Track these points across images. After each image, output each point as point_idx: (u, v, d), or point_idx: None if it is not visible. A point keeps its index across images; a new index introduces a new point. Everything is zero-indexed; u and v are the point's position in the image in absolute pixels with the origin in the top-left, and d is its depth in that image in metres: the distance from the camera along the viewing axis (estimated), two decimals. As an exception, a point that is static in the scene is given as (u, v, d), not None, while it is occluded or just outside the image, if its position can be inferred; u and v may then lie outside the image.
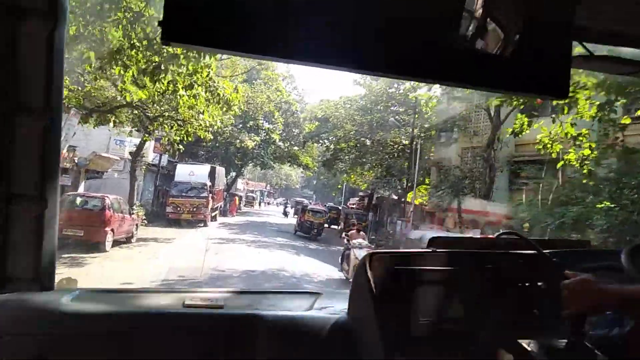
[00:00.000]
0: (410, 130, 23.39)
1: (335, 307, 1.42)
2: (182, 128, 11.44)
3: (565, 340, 1.11)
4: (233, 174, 36.82)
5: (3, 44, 1.18)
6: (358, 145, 26.01)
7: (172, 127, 11.98)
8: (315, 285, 9.91)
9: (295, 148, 35.40)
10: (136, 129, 13.74)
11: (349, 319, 1.33)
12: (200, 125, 11.32)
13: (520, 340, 1.16)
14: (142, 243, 13.46)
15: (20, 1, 1.18)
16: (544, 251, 1.38)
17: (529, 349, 1.13)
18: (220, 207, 25.20)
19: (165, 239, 14.57)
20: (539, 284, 1.37)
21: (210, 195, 20.52)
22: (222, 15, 0.70)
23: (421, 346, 1.21)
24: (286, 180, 71.08)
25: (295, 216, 32.80)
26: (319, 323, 1.32)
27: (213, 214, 22.10)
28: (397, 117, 24.08)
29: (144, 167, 18.22)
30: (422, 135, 23.29)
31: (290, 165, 38.03)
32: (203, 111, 10.32)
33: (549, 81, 0.86)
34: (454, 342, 1.24)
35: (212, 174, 21.96)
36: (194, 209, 19.50)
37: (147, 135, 13.21)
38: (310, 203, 40.81)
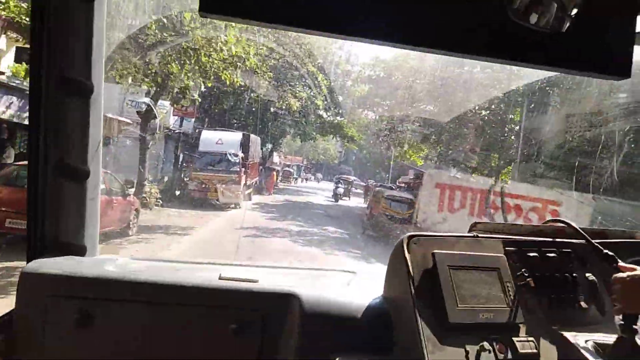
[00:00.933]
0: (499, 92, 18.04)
1: (371, 288, 1.35)
2: (192, 57, 6.96)
3: (615, 336, 1.06)
4: (269, 146, 32.63)
5: (45, 19, 1.19)
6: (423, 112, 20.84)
7: (180, 62, 7.48)
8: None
9: (339, 118, 30.62)
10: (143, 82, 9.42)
11: (384, 301, 1.28)
12: (223, 55, 6.83)
13: (565, 333, 1.13)
14: (145, 237, 9.37)
15: None
16: (595, 241, 1.29)
17: (574, 342, 1.09)
18: (256, 183, 21.02)
19: (181, 229, 10.47)
20: (588, 275, 1.30)
21: (243, 169, 16.29)
22: None
23: (458, 333, 1.11)
24: (324, 154, 66.55)
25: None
26: (353, 304, 1.27)
27: (247, 192, 17.95)
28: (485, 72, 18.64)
29: (158, 132, 14.07)
30: (507, 99, 17.95)
31: (333, 137, 33.19)
32: (225, 25, 5.79)
33: (609, 60, 0.82)
34: (494, 332, 1.13)
35: (245, 143, 17.65)
36: (223, 187, 15.35)
37: (148, 81, 8.88)
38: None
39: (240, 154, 16.45)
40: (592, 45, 0.79)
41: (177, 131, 16.90)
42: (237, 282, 1.30)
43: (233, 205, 15.87)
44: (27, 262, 1.27)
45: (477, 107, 18.73)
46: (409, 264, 1.18)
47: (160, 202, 13.16)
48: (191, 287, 1.27)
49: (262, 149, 28.74)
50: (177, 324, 1.24)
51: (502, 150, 17.83)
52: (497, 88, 18.48)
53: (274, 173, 24.57)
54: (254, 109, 23.81)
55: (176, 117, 16.93)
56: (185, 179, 16.22)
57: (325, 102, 28.61)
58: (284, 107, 22.73)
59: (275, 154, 46.29)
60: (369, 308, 1.26)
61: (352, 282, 1.49)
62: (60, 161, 1.29)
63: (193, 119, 19.28)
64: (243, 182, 16.29)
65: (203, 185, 15.22)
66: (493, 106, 18.79)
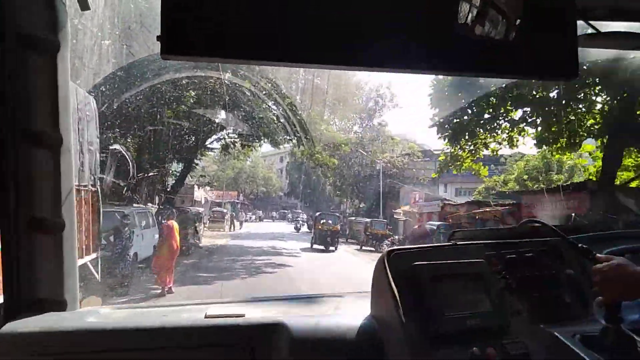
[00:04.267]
0: None
1: (358, 309, 1.29)
2: None
3: (600, 327, 1.08)
4: (177, 165, 16.63)
5: (7, 72, 1.17)
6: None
7: None
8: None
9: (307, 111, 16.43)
10: None
11: (372, 320, 1.22)
12: None
13: (552, 330, 1.12)
14: None
15: (22, 28, 1.16)
16: (570, 237, 1.27)
17: (562, 338, 1.09)
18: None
19: None
20: (567, 270, 1.29)
21: None
22: (218, 26, 0.70)
23: (448, 343, 1.07)
24: (265, 185, 51.03)
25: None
26: (342, 327, 1.21)
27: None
28: None
29: None
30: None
31: (298, 142, 18.26)
32: None
33: (557, 63, 0.86)
34: (482, 336, 1.10)
35: None
36: None
37: None
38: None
39: None
40: (539, 51, 0.83)
41: None
42: (223, 319, 1.24)
43: None
44: (4, 324, 1.16)
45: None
46: (392, 279, 1.14)
47: None
48: (177, 329, 1.20)
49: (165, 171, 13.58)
50: None
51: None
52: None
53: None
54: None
55: None
56: None
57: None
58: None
59: (197, 187, 29.91)
60: (358, 329, 1.20)
61: (340, 305, 1.45)
62: (32, 216, 1.22)
63: None
64: None
65: None
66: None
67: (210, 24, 0.70)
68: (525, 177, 19.95)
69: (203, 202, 31.89)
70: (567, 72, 0.87)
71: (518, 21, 0.78)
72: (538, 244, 1.32)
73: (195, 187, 29.28)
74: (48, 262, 1.25)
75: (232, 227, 30.05)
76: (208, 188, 36.56)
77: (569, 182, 18.18)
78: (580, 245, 1.18)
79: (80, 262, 5.54)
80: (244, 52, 0.73)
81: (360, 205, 32.44)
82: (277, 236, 22.19)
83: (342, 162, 26.29)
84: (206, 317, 1.25)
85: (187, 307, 1.46)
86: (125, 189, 11.58)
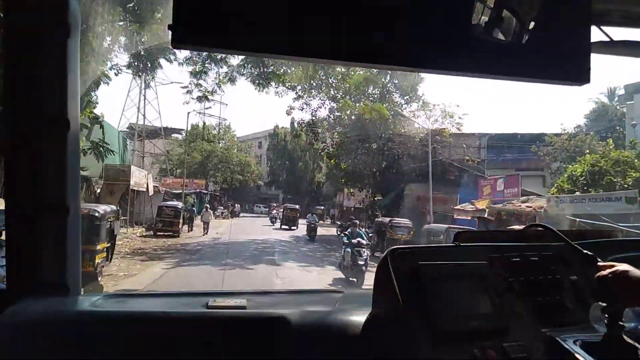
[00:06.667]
0: None
1: (359, 306, 1.31)
2: None
3: (602, 334, 1.05)
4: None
5: (17, 57, 1.21)
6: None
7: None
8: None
9: None
10: None
11: (373, 318, 1.23)
12: None
13: (553, 335, 1.12)
14: None
15: (33, 14, 1.18)
16: (574, 242, 1.27)
17: (563, 343, 1.09)
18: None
19: None
20: (571, 276, 1.26)
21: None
22: (231, 16, 0.72)
23: (448, 342, 1.07)
24: (241, 172, 40.79)
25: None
26: (342, 323, 1.24)
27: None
28: None
29: None
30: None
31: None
32: None
33: (569, 67, 0.87)
34: (483, 339, 1.09)
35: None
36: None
37: None
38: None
39: None
40: (551, 55, 0.84)
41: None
42: (224, 310, 1.27)
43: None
44: (6, 307, 1.16)
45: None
46: (395, 278, 1.14)
47: None
48: (179, 318, 1.23)
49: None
50: (166, 356, 1.18)
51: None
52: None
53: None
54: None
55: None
56: None
57: None
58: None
59: (138, 171, 19.72)
60: (358, 326, 1.21)
61: (340, 301, 1.41)
62: (38, 199, 1.25)
63: None
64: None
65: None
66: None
67: (222, 15, 0.71)
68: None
69: (151, 193, 21.65)
70: (579, 77, 0.89)
71: (532, 24, 0.80)
72: (542, 248, 1.31)
73: (134, 169, 19.05)
74: (52, 246, 1.27)
75: (190, 229, 20.21)
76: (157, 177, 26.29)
77: None
78: (584, 251, 1.19)
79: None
80: (255, 44, 0.74)
81: (376, 198, 22.96)
82: (262, 251, 12.47)
83: (355, 134, 16.71)
84: (208, 307, 1.26)
85: (189, 297, 1.48)
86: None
